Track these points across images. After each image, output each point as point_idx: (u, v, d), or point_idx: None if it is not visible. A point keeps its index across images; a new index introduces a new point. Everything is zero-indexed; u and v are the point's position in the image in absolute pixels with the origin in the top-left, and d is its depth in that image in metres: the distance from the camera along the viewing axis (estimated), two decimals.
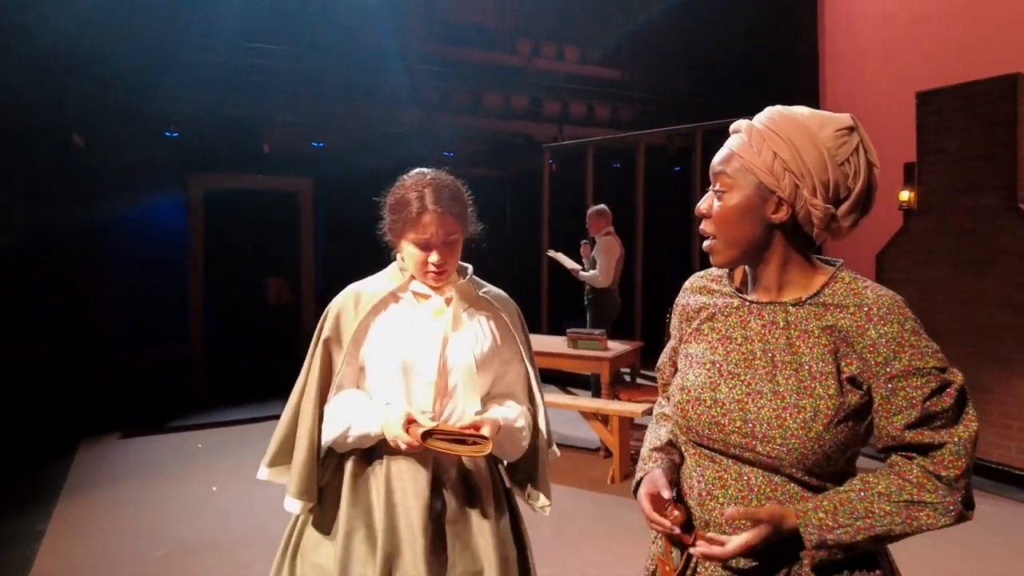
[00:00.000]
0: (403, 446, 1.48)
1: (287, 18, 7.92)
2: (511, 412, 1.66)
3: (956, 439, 1.05)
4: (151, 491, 4.31)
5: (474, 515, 1.61)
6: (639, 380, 6.05)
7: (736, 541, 1.07)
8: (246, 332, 8.16)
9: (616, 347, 5.12)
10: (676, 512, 1.17)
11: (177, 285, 7.08)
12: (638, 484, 1.27)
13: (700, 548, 1.12)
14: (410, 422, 1.49)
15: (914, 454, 1.08)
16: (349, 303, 1.67)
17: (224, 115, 7.47)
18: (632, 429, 4.71)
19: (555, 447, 1.87)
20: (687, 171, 7.94)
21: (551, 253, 6.35)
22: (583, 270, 5.97)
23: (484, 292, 1.75)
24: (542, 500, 1.77)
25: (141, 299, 7.27)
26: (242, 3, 7.16)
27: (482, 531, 1.59)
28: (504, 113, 9.90)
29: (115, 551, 3.48)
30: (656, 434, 1.37)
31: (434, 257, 1.60)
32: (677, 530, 1.14)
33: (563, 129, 10.04)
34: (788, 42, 8.82)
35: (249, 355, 7.90)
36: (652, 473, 1.25)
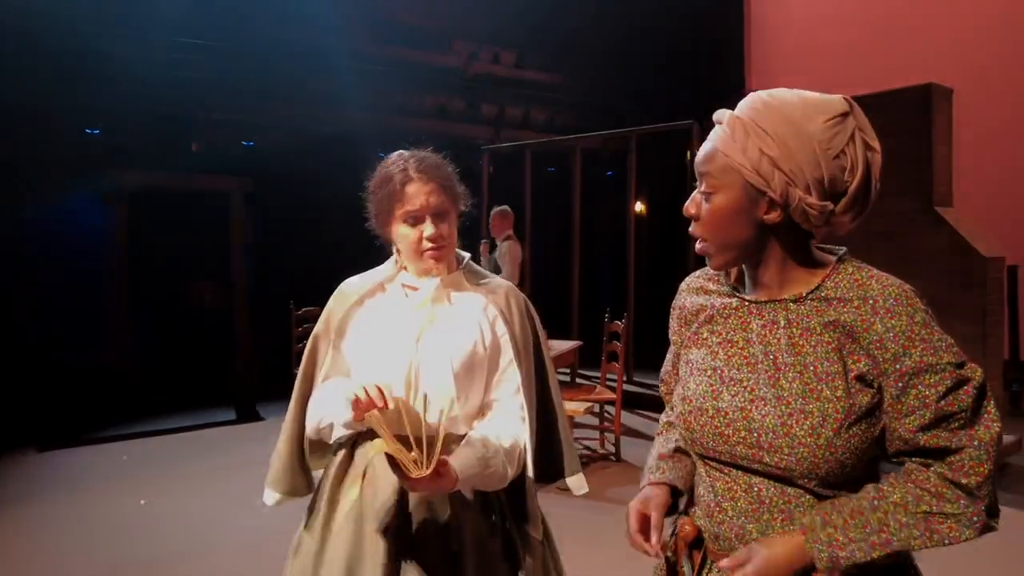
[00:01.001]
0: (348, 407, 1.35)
1: (219, 13, 7.67)
2: (486, 451, 1.43)
3: (976, 442, 0.96)
4: (73, 507, 4.09)
5: (454, 531, 1.47)
6: (578, 380, 6.11)
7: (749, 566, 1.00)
8: (172, 338, 7.87)
9: (556, 347, 5.16)
10: (687, 527, 1.14)
11: (99, 289, 6.77)
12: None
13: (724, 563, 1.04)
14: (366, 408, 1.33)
15: (930, 460, 0.99)
16: (339, 297, 1.63)
17: (150, 112, 7.18)
18: (573, 428, 4.75)
19: (576, 478, 1.64)
20: (621, 175, 8.10)
21: None
22: None
23: (483, 282, 1.61)
24: (573, 482, 1.63)
25: (60, 304, 6.92)
26: None
27: (461, 549, 1.45)
28: (441, 115, 9.88)
29: (35, 575, 3.29)
30: (664, 442, 1.30)
31: (428, 230, 1.48)
32: (657, 557, 1.06)
33: (500, 132, 10.08)
34: (718, 48, 9.12)
35: (176, 362, 7.62)
36: (649, 492, 1.17)
